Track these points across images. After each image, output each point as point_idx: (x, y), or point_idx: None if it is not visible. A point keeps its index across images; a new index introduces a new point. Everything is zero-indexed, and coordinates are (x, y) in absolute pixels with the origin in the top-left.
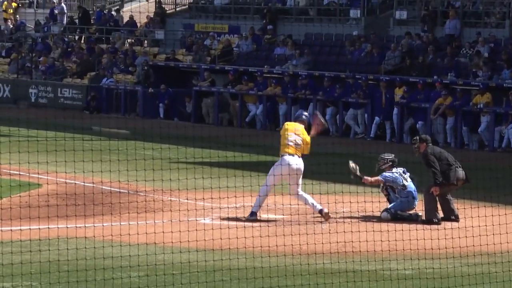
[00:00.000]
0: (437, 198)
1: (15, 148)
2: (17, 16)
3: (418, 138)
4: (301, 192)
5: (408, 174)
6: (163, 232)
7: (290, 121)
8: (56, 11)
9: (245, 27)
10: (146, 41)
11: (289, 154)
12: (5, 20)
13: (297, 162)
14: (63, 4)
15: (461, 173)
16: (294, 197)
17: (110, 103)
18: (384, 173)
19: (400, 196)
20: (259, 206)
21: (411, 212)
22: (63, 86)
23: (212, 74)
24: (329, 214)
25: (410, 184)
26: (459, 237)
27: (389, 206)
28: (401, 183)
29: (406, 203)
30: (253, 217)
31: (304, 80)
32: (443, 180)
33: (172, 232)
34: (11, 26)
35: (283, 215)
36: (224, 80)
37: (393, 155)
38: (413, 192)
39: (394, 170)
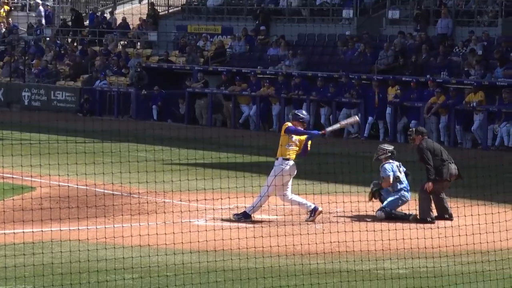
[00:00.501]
0: (431, 196)
1: (8, 151)
2: (10, 19)
3: (414, 130)
4: (290, 195)
5: (404, 169)
6: (156, 234)
7: (285, 121)
8: (34, 14)
9: (238, 28)
10: (139, 43)
11: (293, 160)
12: None
13: (295, 168)
14: (41, 7)
15: (453, 168)
16: (282, 199)
17: (104, 105)
18: (384, 166)
19: (393, 190)
20: (255, 208)
21: (405, 211)
22: (56, 89)
23: (205, 76)
24: (320, 211)
25: (403, 178)
26: (453, 236)
27: (384, 204)
28: (396, 175)
29: (399, 199)
30: (247, 217)
31: (297, 79)
32: (437, 177)
33: (166, 233)
34: (4, 29)
35: (276, 215)
36: (217, 81)
37: (392, 147)
38: (406, 186)
39: (391, 161)
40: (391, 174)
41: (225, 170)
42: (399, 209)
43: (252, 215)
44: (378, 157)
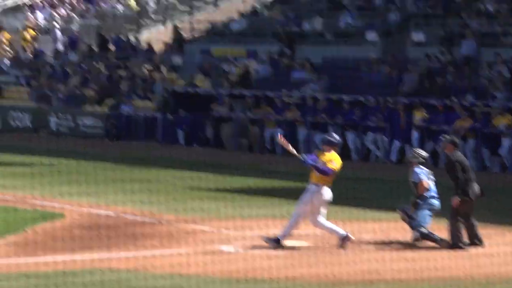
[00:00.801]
0: (462, 222)
1: (37, 177)
2: (36, 44)
3: (448, 137)
4: (322, 221)
5: (433, 178)
6: (187, 261)
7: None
8: (51, 37)
9: (263, 51)
10: (164, 67)
11: (323, 185)
12: (24, 48)
13: (327, 193)
14: (56, 30)
15: (476, 187)
16: (315, 226)
17: (130, 130)
18: (414, 170)
19: (421, 201)
20: (286, 234)
21: (441, 237)
22: (83, 114)
23: (231, 99)
24: (351, 239)
25: (431, 186)
26: (485, 264)
27: (417, 223)
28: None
29: (429, 210)
30: (278, 244)
31: (323, 103)
32: (464, 196)
33: (196, 261)
34: (30, 54)
35: (307, 242)
36: (242, 105)
37: (427, 154)
38: (434, 193)
39: (422, 167)
40: (423, 177)
41: (253, 195)
42: (429, 226)
43: (283, 242)
44: (410, 160)
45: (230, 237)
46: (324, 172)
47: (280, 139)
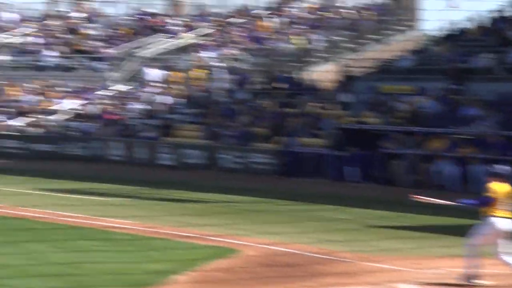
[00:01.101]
0: None
1: (213, 214)
2: (205, 83)
3: None
4: (504, 256)
5: None
6: None
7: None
8: (220, 76)
9: (432, 88)
10: (333, 104)
11: (501, 216)
12: (194, 87)
13: (504, 225)
14: (225, 69)
15: None
16: (498, 260)
17: (300, 167)
18: None
19: None
20: (470, 272)
21: None
22: (253, 151)
23: (401, 136)
24: None
25: None
26: None
27: None
28: None
29: None
30: (469, 281)
31: (495, 139)
32: None
33: None
34: (200, 93)
35: (490, 281)
36: (412, 141)
37: None
38: None
39: None
40: None
41: (428, 233)
42: None
43: (472, 278)
44: None
45: (409, 275)
46: (483, 203)
47: (416, 198)
